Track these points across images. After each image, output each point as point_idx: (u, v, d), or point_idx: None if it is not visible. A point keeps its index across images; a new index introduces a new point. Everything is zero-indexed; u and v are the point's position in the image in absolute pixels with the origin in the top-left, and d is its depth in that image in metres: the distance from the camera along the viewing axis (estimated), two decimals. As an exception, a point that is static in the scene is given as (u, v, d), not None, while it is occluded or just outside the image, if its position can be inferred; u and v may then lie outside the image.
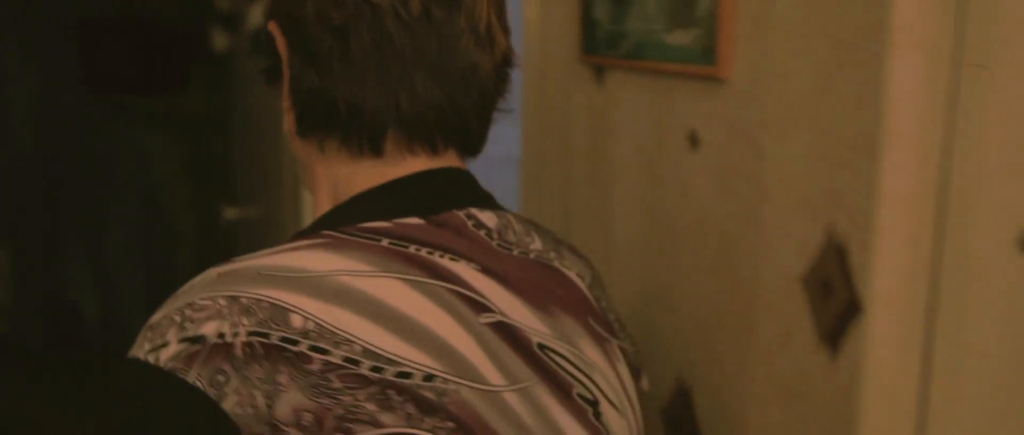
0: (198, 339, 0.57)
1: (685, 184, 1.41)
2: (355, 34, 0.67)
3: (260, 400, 0.54)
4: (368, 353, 0.56)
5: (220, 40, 3.91)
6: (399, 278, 0.61)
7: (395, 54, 0.67)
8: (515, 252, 0.70)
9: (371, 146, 0.69)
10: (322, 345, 0.56)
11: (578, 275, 0.75)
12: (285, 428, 0.54)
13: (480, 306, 0.64)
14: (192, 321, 0.57)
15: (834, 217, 1.14)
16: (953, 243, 1.08)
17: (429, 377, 0.58)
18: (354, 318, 0.58)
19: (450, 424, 0.57)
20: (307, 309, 0.58)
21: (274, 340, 0.57)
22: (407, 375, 0.57)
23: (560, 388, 0.66)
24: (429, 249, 0.65)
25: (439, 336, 0.60)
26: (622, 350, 0.77)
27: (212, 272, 0.64)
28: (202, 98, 4.46)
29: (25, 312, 4.50)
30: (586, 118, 1.68)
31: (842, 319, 1.13)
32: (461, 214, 0.69)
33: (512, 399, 0.62)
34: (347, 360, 0.56)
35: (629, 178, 1.55)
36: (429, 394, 0.57)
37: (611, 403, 0.71)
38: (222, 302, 0.59)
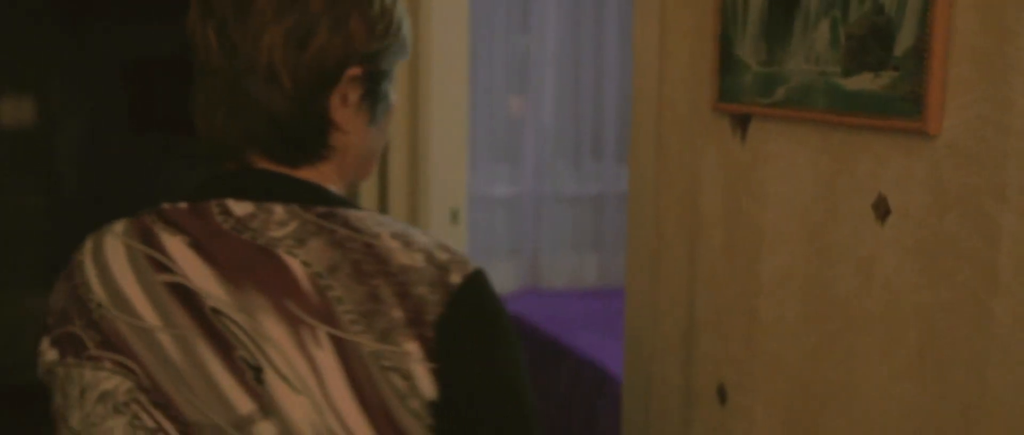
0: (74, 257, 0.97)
1: (869, 262, 1.14)
2: (195, 79, 0.94)
3: (55, 295, 0.94)
4: (85, 285, 0.91)
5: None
6: (124, 242, 0.91)
7: (204, 93, 0.92)
8: (245, 236, 0.87)
9: (210, 155, 0.95)
10: (77, 273, 0.93)
11: (304, 263, 0.85)
12: (52, 313, 0.93)
13: (163, 267, 0.87)
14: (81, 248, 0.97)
15: (1110, 318, 0.86)
16: None
17: (99, 305, 0.89)
18: (91, 263, 0.92)
19: (99, 337, 0.88)
20: (88, 251, 0.94)
21: (72, 264, 0.95)
22: (91, 300, 0.90)
23: (221, 346, 0.85)
24: (164, 224, 0.90)
25: (117, 281, 0.89)
26: (336, 339, 0.83)
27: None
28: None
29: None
30: (721, 175, 1.41)
31: None
32: (214, 203, 0.90)
33: (165, 339, 0.86)
34: (80, 285, 0.91)
35: (784, 250, 1.28)
36: (95, 316, 0.89)
37: (282, 376, 0.83)
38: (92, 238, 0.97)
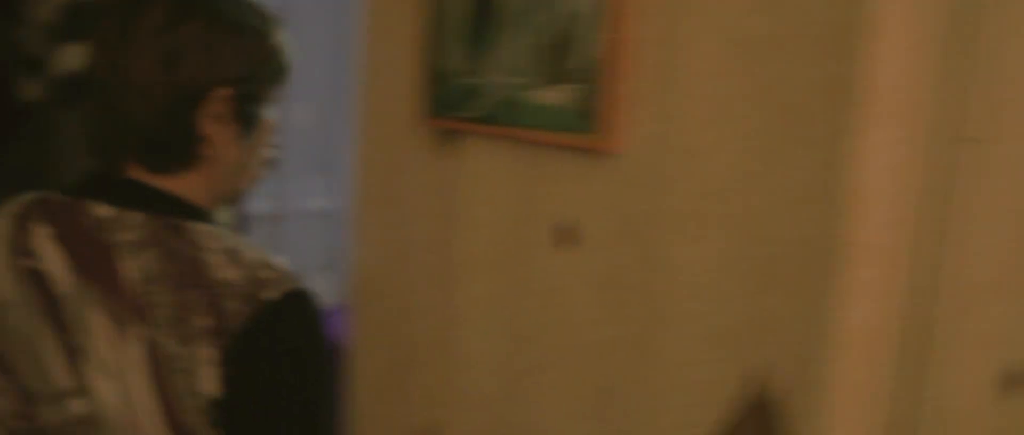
0: None
1: (554, 293, 1.04)
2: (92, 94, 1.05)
3: None
4: None
5: (29, 88, 3.41)
6: (6, 224, 1.02)
7: (93, 105, 1.03)
8: (99, 236, 0.98)
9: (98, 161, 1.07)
10: None
11: (139, 268, 0.96)
12: None
13: (27, 253, 1.00)
14: None
15: (761, 357, 0.80)
16: (933, 390, 0.76)
17: None
18: None
19: None
20: None
21: None
22: None
23: (58, 328, 0.98)
24: (40, 214, 1.02)
25: None
26: (146, 338, 0.94)
27: None
28: (20, 152, 3.92)
29: None
30: (430, 196, 1.30)
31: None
32: (84, 202, 1.01)
33: (17, 314, 0.99)
34: None
35: (482, 279, 1.18)
36: None
37: (97, 362, 0.96)
38: None
